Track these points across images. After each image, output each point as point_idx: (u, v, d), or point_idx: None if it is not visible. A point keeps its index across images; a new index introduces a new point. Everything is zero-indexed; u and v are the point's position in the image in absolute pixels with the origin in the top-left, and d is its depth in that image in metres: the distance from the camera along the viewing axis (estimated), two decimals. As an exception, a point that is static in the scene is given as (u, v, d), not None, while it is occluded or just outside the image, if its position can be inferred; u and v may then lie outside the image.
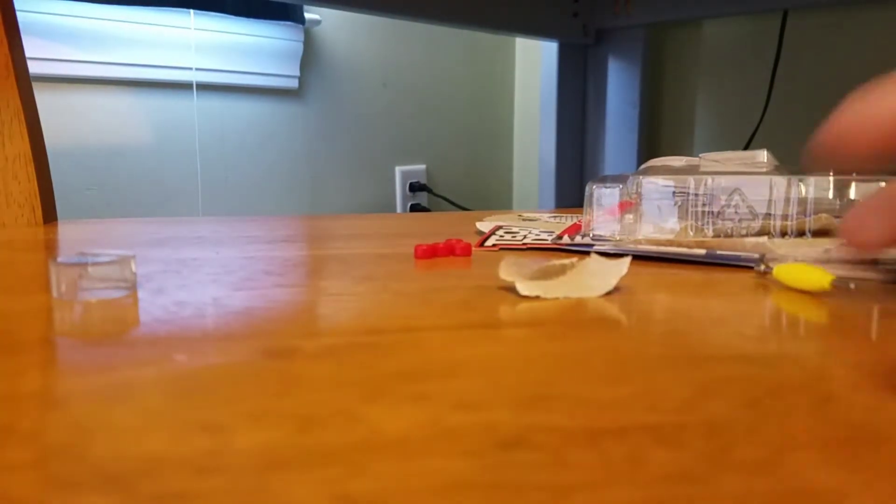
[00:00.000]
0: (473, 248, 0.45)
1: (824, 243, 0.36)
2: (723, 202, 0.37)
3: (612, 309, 0.29)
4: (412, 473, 0.15)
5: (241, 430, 0.17)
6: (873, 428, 0.17)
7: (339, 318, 0.27)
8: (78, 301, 0.30)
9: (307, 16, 1.19)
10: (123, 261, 0.31)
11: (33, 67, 0.60)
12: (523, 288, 0.30)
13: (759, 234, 0.37)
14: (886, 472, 0.15)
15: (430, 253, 0.41)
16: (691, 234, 0.39)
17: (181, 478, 0.15)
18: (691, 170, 0.40)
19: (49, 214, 0.60)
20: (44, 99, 0.63)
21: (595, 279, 0.32)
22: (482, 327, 0.26)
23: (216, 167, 1.13)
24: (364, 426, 0.17)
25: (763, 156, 0.40)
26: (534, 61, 1.48)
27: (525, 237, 0.48)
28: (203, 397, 0.19)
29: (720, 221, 0.37)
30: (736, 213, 0.37)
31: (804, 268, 0.31)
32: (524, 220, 0.59)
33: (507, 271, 0.31)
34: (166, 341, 0.24)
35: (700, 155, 0.42)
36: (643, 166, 0.43)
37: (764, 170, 0.39)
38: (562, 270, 0.32)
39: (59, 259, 0.31)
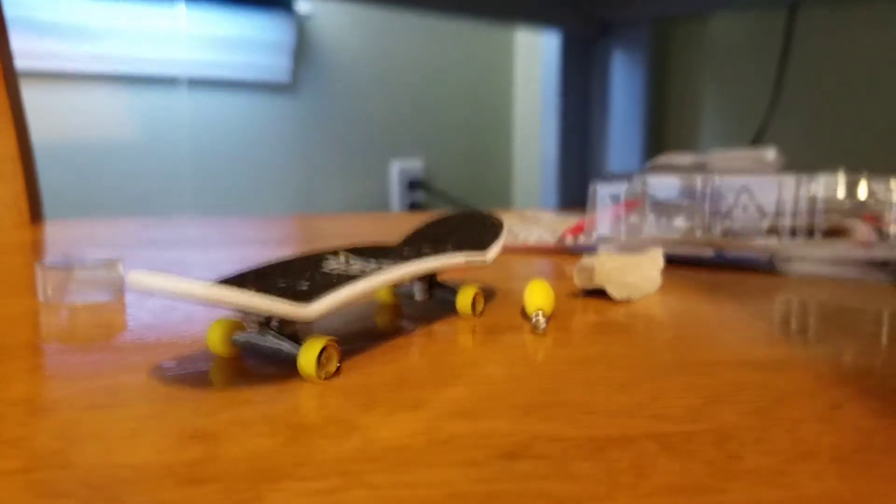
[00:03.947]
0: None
1: (834, 244, 0.35)
2: (731, 201, 0.37)
3: (618, 312, 0.29)
4: (409, 484, 0.14)
5: (232, 438, 0.16)
6: (884, 435, 0.17)
7: (333, 323, 0.27)
8: (64, 305, 0.29)
9: (299, 7, 1.18)
10: (111, 264, 0.31)
11: (20, 62, 0.59)
12: (615, 292, 0.30)
13: (768, 234, 0.36)
14: (903, 484, 0.14)
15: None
16: (699, 234, 0.38)
17: (171, 487, 0.14)
18: (698, 168, 0.40)
19: (36, 214, 0.59)
20: (31, 95, 0.62)
21: (633, 276, 0.32)
22: (482, 332, 0.26)
23: (206, 164, 1.12)
24: (359, 435, 0.17)
25: (771, 154, 0.39)
26: (534, 54, 1.47)
27: (527, 238, 0.47)
28: (193, 404, 0.18)
29: (728, 221, 0.37)
30: (744, 212, 0.36)
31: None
32: (526, 219, 0.59)
33: (580, 278, 0.31)
34: (154, 347, 0.24)
35: (707, 152, 0.42)
36: (649, 164, 0.43)
37: (772, 168, 0.38)
38: (609, 268, 0.33)
39: (46, 262, 0.30)
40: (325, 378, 0.20)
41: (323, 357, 0.20)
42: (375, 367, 0.22)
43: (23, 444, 0.16)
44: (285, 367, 0.21)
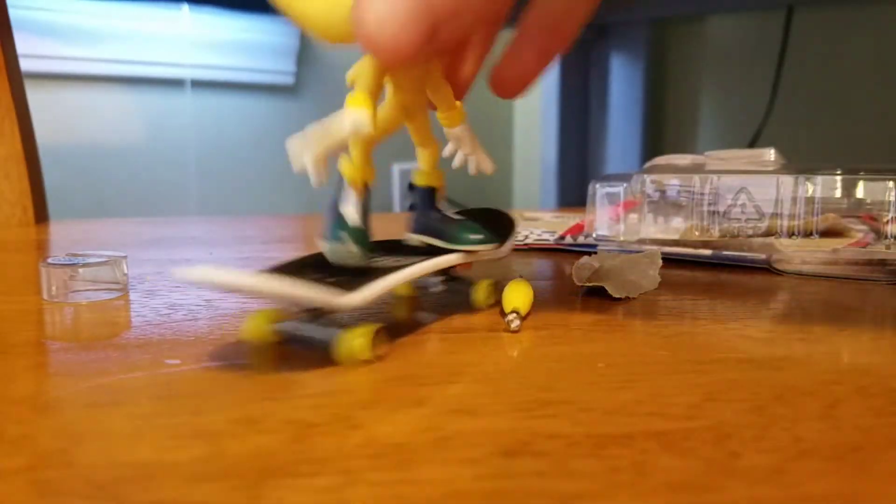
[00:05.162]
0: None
1: (832, 243, 0.35)
2: (729, 201, 0.37)
3: (616, 311, 0.29)
4: (410, 481, 0.14)
5: (235, 436, 0.16)
6: (882, 433, 0.17)
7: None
8: (68, 303, 0.29)
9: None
10: (115, 262, 0.31)
11: (25, 64, 0.60)
12: (614, 291, 0.31)
13: (766, 234, 0.36)
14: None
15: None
16: (697, 234, 0.38)
17: (173, 486, 0.14)
18: (697, 168, 0.40)
19: (41, 214, 0.59)
20: (36, 96, 0.62)
21: (632, 275, 0.32)
22: (483, 330, 0.26)
23: (211, 165, 1.12)
24: (360, 432, 0.17)
25: (770, 154, 0.39)
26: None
27: (527, 237, 0.47)
28: (196, 402, 0.18)
29: (726, 221, 0.37)
30: (742, 212, 0.36)
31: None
32: (526, 219, 0.59)
33: (579, 276, 0.32)
34: (158, 345, 0.24)
35: (706, 153, 0.42)
36: (648, 164, 0.43)
37: (771, 168, 0.38)
38: (608, 266, 0.33)
39: (50, 260, 0.30)
40: (371, 361, 0.21)
41: (369, 341, 0.21)
42: (380, 363, 0.22)
43: (25, 442, 0.16)
44: (291, 365, 0.21)
